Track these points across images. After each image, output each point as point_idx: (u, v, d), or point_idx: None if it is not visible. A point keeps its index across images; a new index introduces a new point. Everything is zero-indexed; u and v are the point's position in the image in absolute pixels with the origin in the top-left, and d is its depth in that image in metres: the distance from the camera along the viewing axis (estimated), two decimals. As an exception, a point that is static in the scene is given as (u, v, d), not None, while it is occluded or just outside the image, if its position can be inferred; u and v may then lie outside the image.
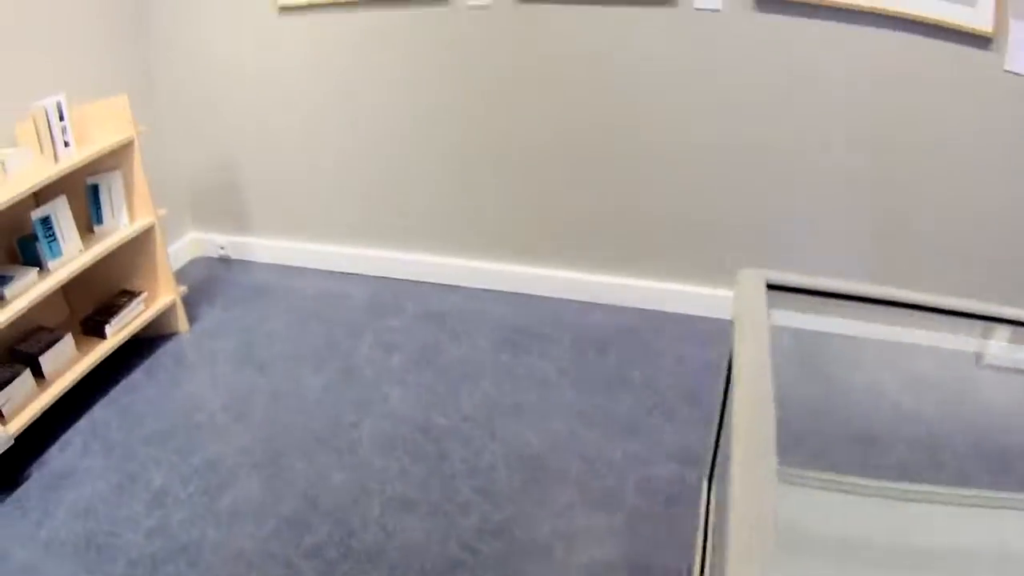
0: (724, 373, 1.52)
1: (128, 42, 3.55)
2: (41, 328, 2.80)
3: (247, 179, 3.73)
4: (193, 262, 3.91)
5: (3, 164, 2.40)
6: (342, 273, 3.74)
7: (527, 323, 3.26)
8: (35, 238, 2.47)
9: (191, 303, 3.34)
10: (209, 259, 3.94)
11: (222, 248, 3.93)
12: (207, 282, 3.68)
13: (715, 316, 3.20)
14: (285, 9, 3.40)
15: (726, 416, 1.48)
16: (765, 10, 2.80)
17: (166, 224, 3.08)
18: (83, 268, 2.58)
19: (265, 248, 3.89)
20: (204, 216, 3.96)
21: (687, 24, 2.91)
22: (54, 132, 2.53)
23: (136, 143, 2.78)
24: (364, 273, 3.72)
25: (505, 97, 3.19)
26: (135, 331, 2.91)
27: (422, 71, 3.25)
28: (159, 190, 3.05)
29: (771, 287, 1.44)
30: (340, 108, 3.45)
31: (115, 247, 2.76)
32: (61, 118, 2.58)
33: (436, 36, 3.18)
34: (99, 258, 2.66)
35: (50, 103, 2.54)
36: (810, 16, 2.69)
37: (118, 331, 2.85)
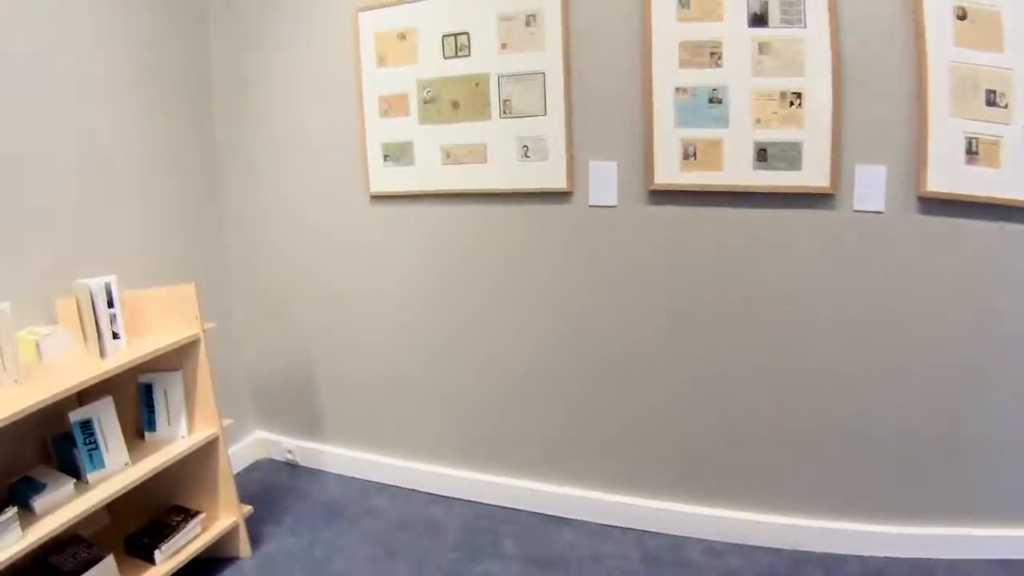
0: None
1: (202, 223, 3.22)
2: (77, 539, 2.29)
3: (322, 378, 3.32)
4: (256, 465, 3.41)
5: (37, 346, 1.87)
6: (427, 494, 3.12)
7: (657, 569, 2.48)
8: (72, 442, 1.88)
9: (254, 519, 2.86)
10: (274, 462, 3.39)
11: (289, 452, 3.32)
12: (273, 492, 3.21)
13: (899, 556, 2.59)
14: (379, 198, 3.22)
15: None
16: (930, 211, 2.54)
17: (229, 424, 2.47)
18: (130, 486, 1.96)
19: (338, 457, 3.35)
20: (271, 415, 3.47)
21: (843, 228, 2.69)
22: (100, 321, 2.04)
23: (202, 342, 2.25)
24: (453, 496, 3.18)
25: (627, 307, 2.90)
26: (189, 558, 2.40)
27: (529, 274, 3.04)
28: (223, 384, 2.63)
29: None
30: (432, 309, 3.22)
31: (170, 463, 2.13)
32: (111, 304, 2.11)
33: (549, 236, 3.04)
34: (150, 476, 2.04)
35: (96, 284, 2.07)
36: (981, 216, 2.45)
37: (169, 557, 2.40)
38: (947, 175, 2.53)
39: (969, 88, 2.50)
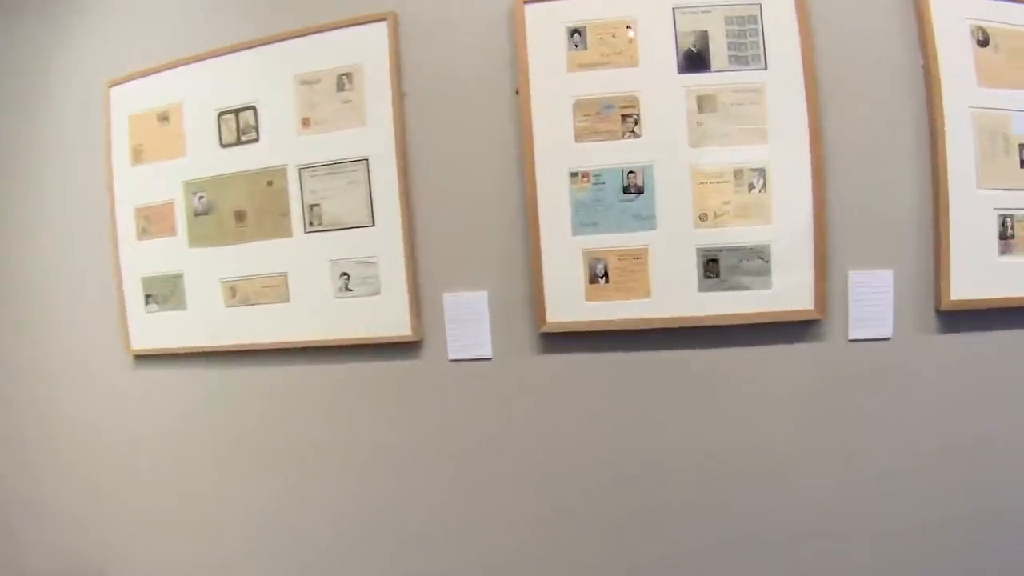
0: None
1: None
2: None
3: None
4: None
5: None
6: None
7: None
8: None
9: None
10: None
11: None
12: None
13: None
14: (144, 358, 2.21)
15: None
16: (953, 327, 1.65)
17: None
18: None
19: None
20: None
21: (835, 366, 1.71)
22: None
23: None
24: None
25: (512, 509, 1.86)
26: None
27: (359, 466, 1.96)
28: None
29: None
30: (227, 510, 2.10)
31: None
32: None
33: (387, 407, 1.92)
34: None
35: None
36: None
37: None
38: (976, 273, 1.67)
39: (999, 144, 1.67)
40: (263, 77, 1.83)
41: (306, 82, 1.80)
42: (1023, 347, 1.67)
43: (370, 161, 1.74)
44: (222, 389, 1.95)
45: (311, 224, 1.80)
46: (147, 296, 2.02)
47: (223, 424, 1.97)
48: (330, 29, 1.78)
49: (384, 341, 1.76)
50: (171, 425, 2.05)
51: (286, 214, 1.82)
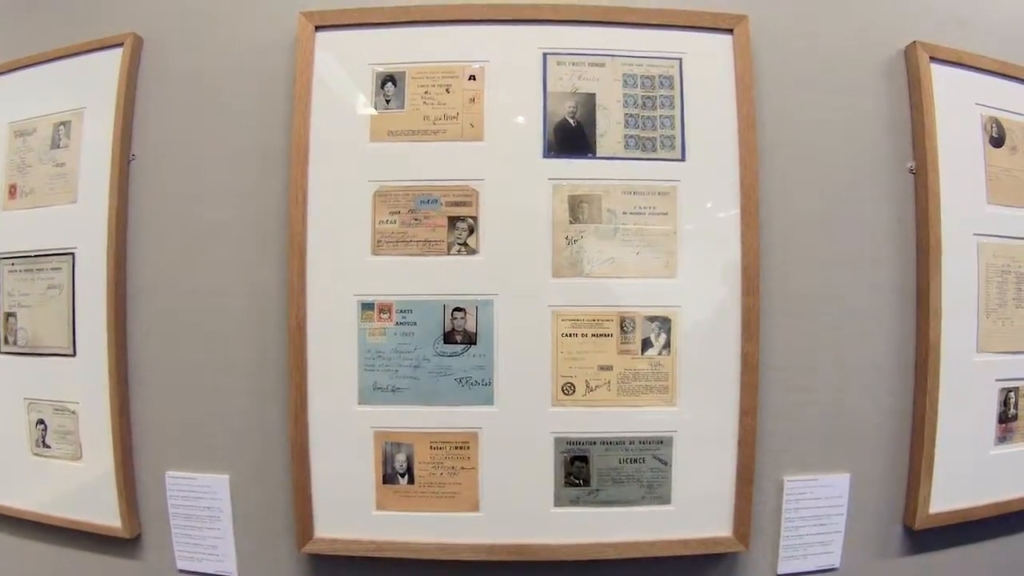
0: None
1: None
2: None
3: None
4: None
5: None
6: None
7: None
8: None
9: None
10: None
11: None
12: None
13: None
14: None
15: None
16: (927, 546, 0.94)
17: None
18: None
19: None
20: None
21: None
22: None
23: None
24: None
25: None
26: None
27: None
28: None
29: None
30: None
31: None
32: None
33: None
34: None
35: None
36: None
37: None
38: (963, 474, 1.01)
39: (1010, 289, 1.02)
40: None
41: (20, 133, 1.05)
42: (1007, 558, 0.89)
43: (77, 257, 0.98)
44: None
45: (6, 341, 1.05)
46: None
47: None
48: (58, 58, 1.04)
49: (86, 530, 0.99)
50: None
51: None
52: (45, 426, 1.08)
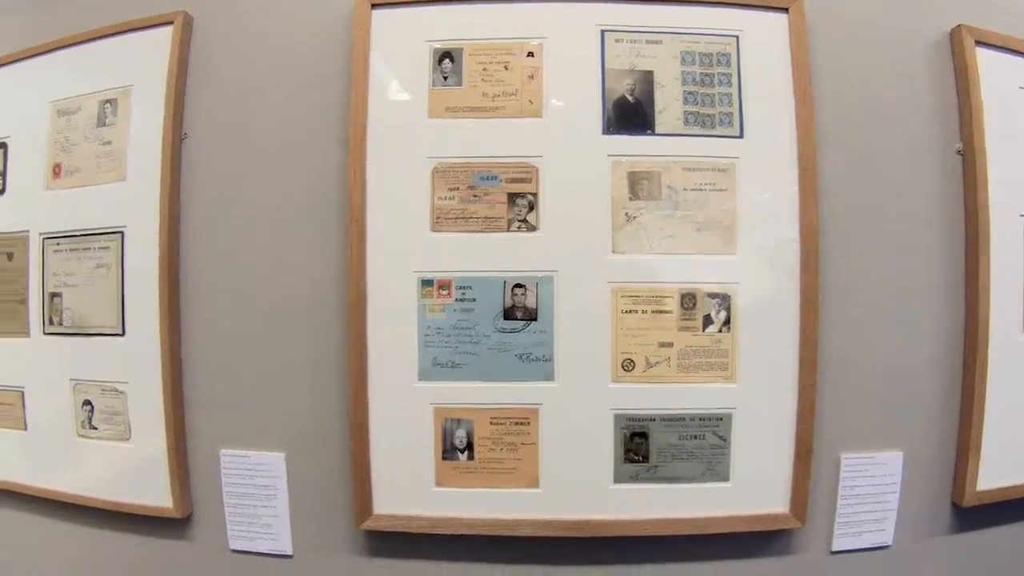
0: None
1: None
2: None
3: None
4: None
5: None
6: None
7: None
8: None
9: None
10: None
11: None
12: None
13: None
14: None
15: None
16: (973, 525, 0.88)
17: None
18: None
19: None
20: None
21: None
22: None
23: None
24: None
25: None
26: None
27: None
28: None
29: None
30: None
31: None
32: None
33: None
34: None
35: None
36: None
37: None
38: (1007, 454, 0.88)
39: None
40: (18, 102, 0.91)
41: (64, 112, 0.87)
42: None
43: (126, 235, 0.81)
44: None
45: (51, 322, 0.87)
46: None
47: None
48: (102, 37, 0.86)
49: (134, 512, 0.82)
50: None
51: (23, 303, 0.89)
52: (92, 407, 0.91)
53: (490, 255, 0.83)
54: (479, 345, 0.83)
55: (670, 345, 0.84)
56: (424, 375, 0.84)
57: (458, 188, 0.84)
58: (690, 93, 0.85)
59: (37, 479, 0.99)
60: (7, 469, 1.01)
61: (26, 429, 1.00)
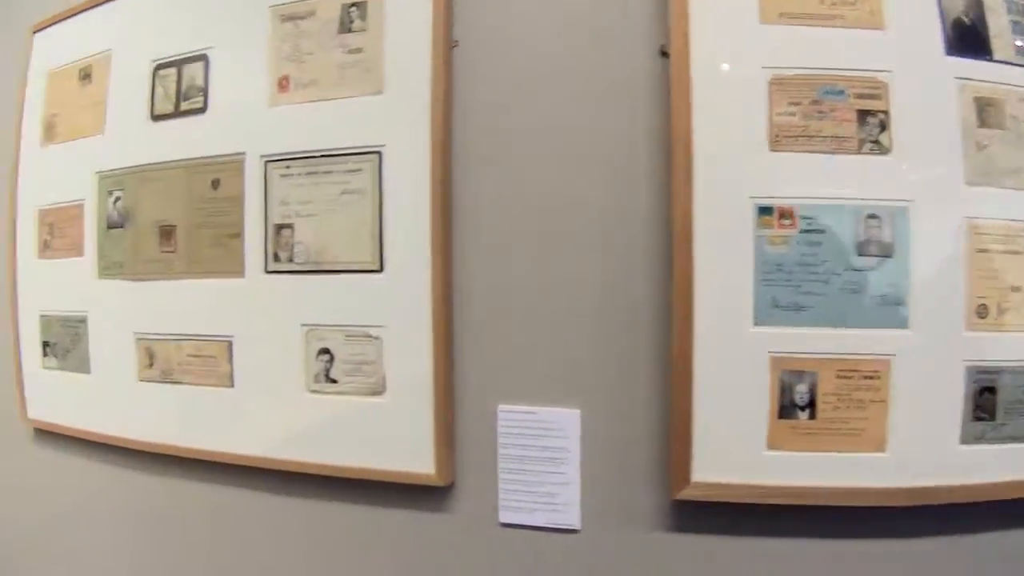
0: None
1: None
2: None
3: None
4: None
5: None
6: None
7: None
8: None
9: None
10: None
11: None
12: None
13: None
14: (46, 434, 1.10)
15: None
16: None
17: None
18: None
19: None
20: None
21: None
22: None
23: None
24: None
25: None
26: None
27: None
28: None
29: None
30: None
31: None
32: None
33: None
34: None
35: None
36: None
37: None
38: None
39: None
40: (223, 9, 0.75)
41: (290, 17, 0.73)
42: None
43: (384, 156, 0.66)
44: (146, 497, 0.86)
45: (276, 259, 0.72)
46: (44, 344, 0.93)
47: (148, 543, 0.88)
48: None
49: (385, 479, 0.67)
50: (79, 537, 0.98)
51: (237, 237, 0.74)
52: (330, 356, 0.75)
53: (839, 180, 0.70)
54: (828, 285, 0.70)
55: (1019, 290, 0.72)
56: (760, 319, 0.70)
57: (800, 103, 0.71)
58: (1015, 22, 0.74)
59: (250, 446, 0.83)
60: (212, 437, 0.86)
61: (233, 386, 0.85)
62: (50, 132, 1.06)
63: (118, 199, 0.94)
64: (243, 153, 0.85)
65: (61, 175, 1.03)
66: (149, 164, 0.91)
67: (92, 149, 0.99)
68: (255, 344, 0.84)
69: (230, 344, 0.85)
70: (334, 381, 0.80)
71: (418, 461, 0.77)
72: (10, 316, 1.10)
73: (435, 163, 0.75)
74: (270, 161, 0.83)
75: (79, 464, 1.02)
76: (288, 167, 0.83)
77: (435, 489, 0.77)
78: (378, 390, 0.78)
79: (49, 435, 1.08)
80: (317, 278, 0.81)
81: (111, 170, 0.95)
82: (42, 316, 1.05)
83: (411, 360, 0.76)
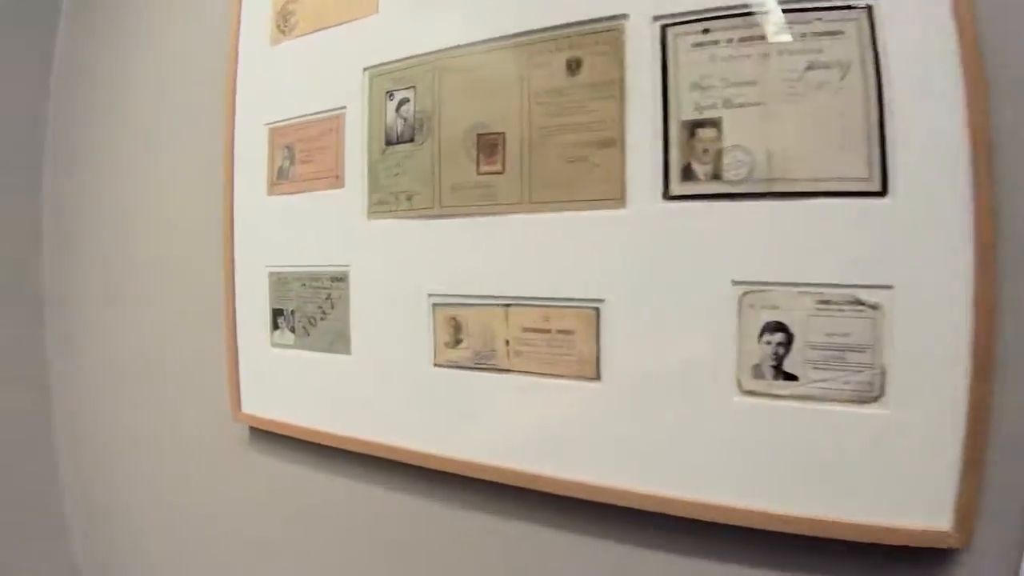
0: None
1: None
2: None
3: None
4: None
5: None
6: None
7: None
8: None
9: None
10: None
11: None
12: None
13: None
14: (264, 435, 0.91)
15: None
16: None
17: None
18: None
19: None
20: None
21: None
22: None
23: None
24: None
25: None
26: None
27: None
28: None
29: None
30: None
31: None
32: None
33: None
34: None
35: None
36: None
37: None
38: None
39: None
40: None
41: None
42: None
43: (877, 8, 0.30)
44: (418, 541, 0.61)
45: (688, 175, 0.39)
46: (276, 313, 0.66)
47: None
48: None
49: (880, 540, 0.33)
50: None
51: (612, 145, 0.41)
52: (787, 337, 0.43)
53: None
54: None
55: None
56: None
57: None
58: None
59: (617, 475, 0.53)
60: (557, 459, 0.56)
61: (599, 379, 0.55)
62: (285, 24, 0.80)
63: (404, 101, 0.66)
64: (624, 15, 0.53)
65: (304, 77, 0.77)
66: (458, 47, 0.62)
67: (356, 36, 0.71)
68: (641, 313, 0.54)
69: (597, 313, 0.56)
70: (792, 377, 0.48)
71: (923, 510, 0.44)
72: (224, 274, 0.87)
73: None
74: (671, 24, 0.52)
75: (321, 481, 0.78)
76: (706, 31, 0.50)
77: (937, 552, 0.44)
78: (871, 395, 0.46)
79: (275, 438, 0.84)
80: (763, 205, 0.49)
81: (392, 62, 0.67)
82: (273, 274, 0.80)
83: (937, 347, 0.43)
